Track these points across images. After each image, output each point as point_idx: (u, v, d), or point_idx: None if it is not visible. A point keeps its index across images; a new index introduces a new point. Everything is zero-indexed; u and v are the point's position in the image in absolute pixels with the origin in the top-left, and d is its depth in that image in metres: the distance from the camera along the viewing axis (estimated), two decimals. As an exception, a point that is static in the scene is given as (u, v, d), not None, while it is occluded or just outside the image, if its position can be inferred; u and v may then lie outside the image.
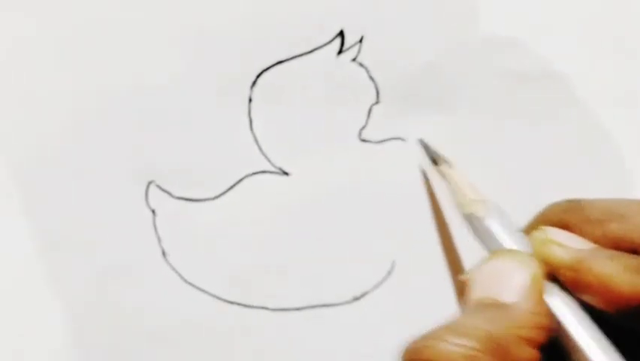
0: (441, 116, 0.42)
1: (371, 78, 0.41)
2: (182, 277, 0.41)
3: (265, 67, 0.41)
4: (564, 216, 0.35)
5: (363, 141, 0.41)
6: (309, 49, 0.41)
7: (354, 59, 0.41)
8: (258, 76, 0.41)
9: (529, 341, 0.31)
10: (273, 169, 0.41)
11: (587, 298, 0.33)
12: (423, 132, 0.41)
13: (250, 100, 0.41)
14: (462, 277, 0.34)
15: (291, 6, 0.41)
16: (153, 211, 0.41)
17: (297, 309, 0.41)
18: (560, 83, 0.42)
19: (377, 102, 0.41)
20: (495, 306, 0.32)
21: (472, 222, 0.37)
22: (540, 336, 0.31)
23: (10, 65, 0.40)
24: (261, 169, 0.41)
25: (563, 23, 0.42)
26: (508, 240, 0.35)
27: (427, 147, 0.40)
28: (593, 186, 0.43)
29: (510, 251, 0.34)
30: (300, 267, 0.41)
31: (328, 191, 0.41)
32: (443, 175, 0.39)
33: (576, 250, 0.33)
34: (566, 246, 0.34)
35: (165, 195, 0.41)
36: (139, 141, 0.41)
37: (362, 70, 0.41)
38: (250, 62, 0.41)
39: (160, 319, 0.41)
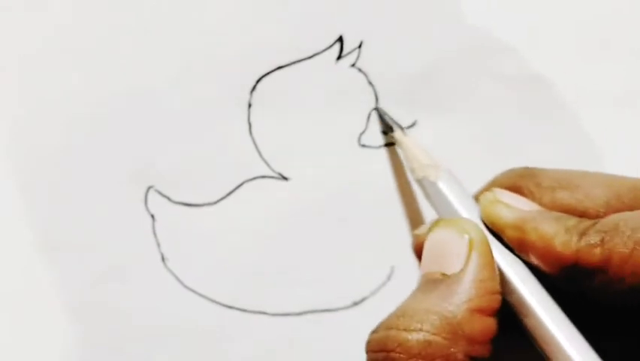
0: (440, 121, 0.42)
1: (370, 83, 0.41)
2: (181, 282, 0.41)
3: (265, 72, 0.41)
4: (517, 181, 0.36)
5: (363, 146, 0.41)
6: (309, 54, 0.41)
7: (353, 65, 0.41)
8: (258, 81, 0.41)
9: (482, 311, 0.31)
10: (272, 174, 0.41)
11: (530, 258, 0.33)
12: (422, 136, 0.42)
13: (250, 105, 0.41)
14: (414, 233, 0.35)
15: (290, 11, 0.41)
16: (152, 216, 0.41)
17: (296, 314, 0.41)
18: (556, 86, 0.42)
19: (376, 107, 0.41)
20: (442, 281, 0.32)
21: (425, 186, 0.37)
22: (492, 302, 0.31)
23: (10, 66, 0.40)
24: (261, 174, 0.41)
25: (558, 27, 0.42)
26: (458, 203, 0.35)
27: (382, 114, 0.41)
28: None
29: (450, 220, 0.34)
30: (299, 272, 0.41)
31: (327, 196, 0.41)
32: (397, 142, 0.40)
33: (522, 211, 0.34)
34: (513, 207, 0.34)
35: (164, 200, 0.41)
36: (138, 145, 0.41)
37: (361, 75, 0.41)
38: (250, 67, 0.41)
39: (159, 323, 0.41)
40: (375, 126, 0.41)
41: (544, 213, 0.33)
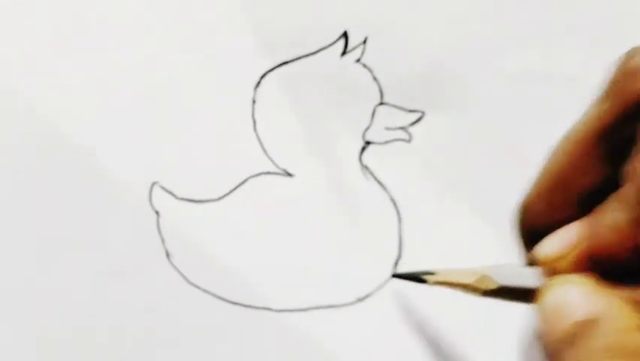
0: (445, 117, 0.42)
1: (375, 79, 0.41)
2: (185, 278, 0.41)
3: (269, 68, 0.41)
4: None
5: (368, 141, 0.41)
6: (313, 50, 0.41)
7: (358, 60, 0.41)
8: (262, 77, 0.41)
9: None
10: (276, 170, 0.41)
11: None
12: (427, 133, 0.41)
13: (254, 101, 0.41)
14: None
15: (295, 7, 0.40)
16: (157, 212, 0.41)
17: (301, 310, 0.41)
18: (562, 84, 0.42)
19: (381, 103, 0.41)
20: (581, 327, 0.31)
21: (492, 296, 0.36)
22: None
23: (12, 62, 0.40)
24: (265, 170, 0.41)
25: (565, 24, 0.42)
26: (525, 281, 0.35)
27: (405, 275, 0.40)
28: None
29: (549, 283, 0.33)
30: (304, 268, 0.41)
31: (332, 192, 0.41)
32: (439, 284, 0.38)
33: None
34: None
35: (169, 196, 0.41)
36: (143, 141, 0.41)
37: (366, 71, 0.41)
38: (254, 63, 0.40)
39: (163, 320, 0.41)
40: (380, 122, 0.41)
41: None
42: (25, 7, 0.40)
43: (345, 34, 0.41)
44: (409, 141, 0.42)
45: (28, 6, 0.40)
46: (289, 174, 0.41)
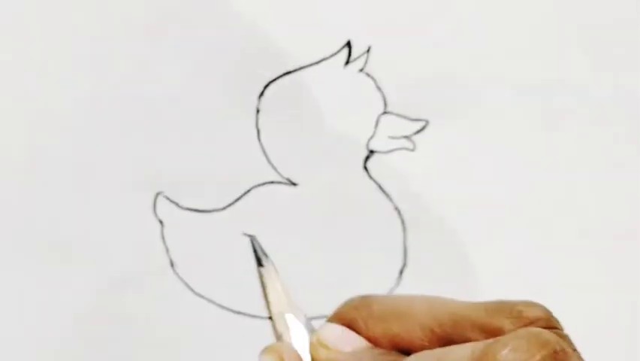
0: (448, 126, 0.42)
1: (378, 88, 0.41)
2: (190, 288, 0.41)
3: (273, 78, 0.41)
4: (354, 313, 0.36)
5: (371, 151, 0.41)
6: (317, 59, 0.41)
7: (361, 70, 0.41)
8: (266, 87, 0.41)
9: None
10: (280, 180, 0.41)
11: None
12: (430, 142, 0.41)
13: (258, 111, 0.41)
14: None
15: (298, 16, 0.40)
16: (161, 222, 0.41)
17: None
18: (565, 92, 0.42)
19: (385, 112, 0.41)
20: None
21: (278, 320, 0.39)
22: None
23: (15, 70, 0.40)
24: (269, 180, 0.41)
25: (568, 32, 0.42)
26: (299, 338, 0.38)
27: (255, 245, 0.41)
28: (597, 194, 0.43)
29: (269, 347, 0.37)
30: (308, 277, 0.41)
31: (336, 201, 0.41)
32: (263, 276, 0.40)
33: (339, 353, 0.35)
34: (331, 349, 0.35)
35: (173, 205, 0.41)
36: (147, 151, 0.41)
37: (369, 80, 0.41)
38: (258, 72, 0.40)
39: (168, 329, 0.41)
40: (384, 131, 0.41)
41: (359, 354, 0.34)
42: (25, 7, 0.40)
43: (348, 44, 0.41)
44: (412, 149, 0.42)
45: (28, 7, 0.40)
46: (293, 184, 0.41)
